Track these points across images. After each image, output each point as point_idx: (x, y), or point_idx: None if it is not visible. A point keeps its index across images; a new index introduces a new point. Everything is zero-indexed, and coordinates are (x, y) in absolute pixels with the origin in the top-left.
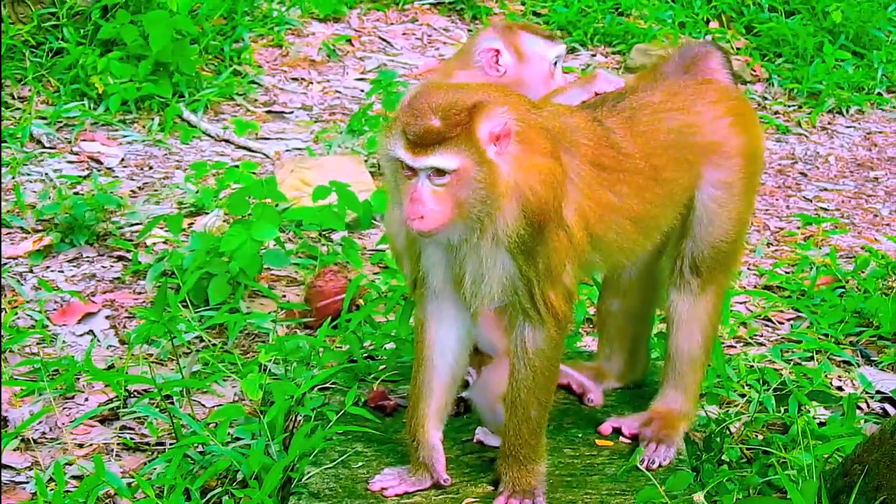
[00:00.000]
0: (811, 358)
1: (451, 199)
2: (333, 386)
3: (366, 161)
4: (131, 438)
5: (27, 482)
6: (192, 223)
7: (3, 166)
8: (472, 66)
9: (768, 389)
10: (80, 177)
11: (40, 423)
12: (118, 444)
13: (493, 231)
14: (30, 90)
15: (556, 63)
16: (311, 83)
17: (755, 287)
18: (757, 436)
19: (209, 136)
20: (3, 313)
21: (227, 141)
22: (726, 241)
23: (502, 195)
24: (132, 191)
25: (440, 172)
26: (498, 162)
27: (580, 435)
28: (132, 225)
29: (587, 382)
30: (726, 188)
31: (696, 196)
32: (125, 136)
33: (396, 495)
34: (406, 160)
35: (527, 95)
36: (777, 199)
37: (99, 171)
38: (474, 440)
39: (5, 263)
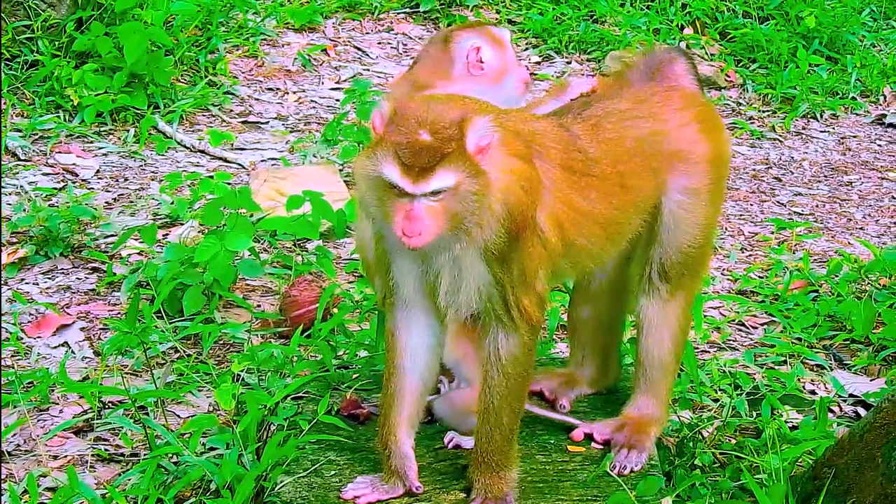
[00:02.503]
0: (784, 362)
1: (445, 212)
2: (306, 395)
3: (340, 171)
4: (105, 449)
5: (1, 495)
6: (167, 234)
7: None
8: (455, 73)
9: (741, 394)
10: (55, 189)
11: (14, 435)
12: (92, 455)
13: (477, 239)
14: (4, 102)
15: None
16: (287, 93)
17: (729, 292)
18: (730, 440)
19: (184, 146)
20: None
21: (202, 152)
22: (694, 247)
23: (493, 202)
24: (107, 202)
25: (437, 191)
26: (488, 171)
27: (552, 441)
28: (107, 236)
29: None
30: (693, 194)
31: (662, 202)
32: (100, 148)
33: (369, 503)
34: (406, 188)
35: (509, 84)
36: (751, 204)
37: (74, 182)
38: (450, 445)
39: None
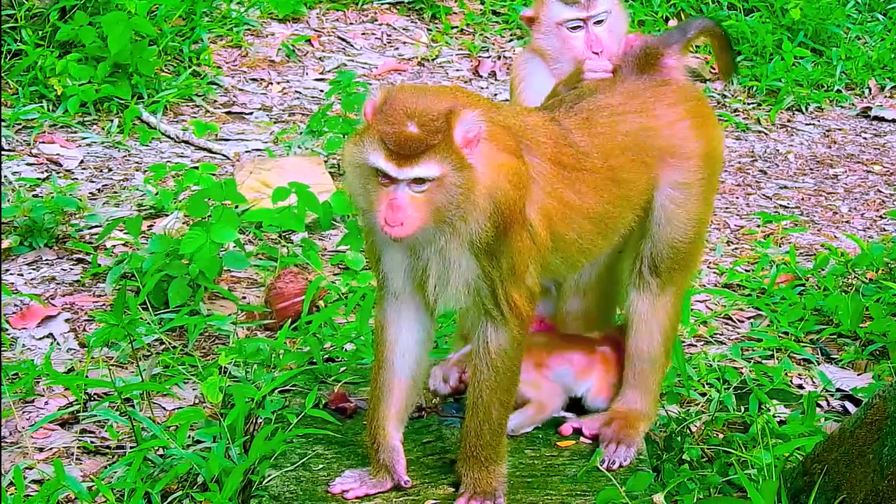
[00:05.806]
0: (771, 356)
1: (428, 204)
2: (294, 388)
3: (325, 162)
4: (91, 442)
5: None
6: (152, 225)
7: None
8: None
9: (728, 388)
10: (39, 179)
11: None
12: (78, 447)
13: (462, 233)
14: None
15: (575, 27)
16: (271, 84)
17: (715, 285)
18: (717, 435)
19: (168, 137)
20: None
21: (186, 142)
22: (685, 242)
23: (478, 197)
24: (91, 193)
25: (421, 180)
26: (474, 165)
27: (541, 436)
28: (91, 227)
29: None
30: (685, 189)
31: (654, 197)
32: (84, 138)
33: (357, 498)
34: (389, 172)
35: (560, 68)
36: (737, 197)
37: (58, 173)
38: None
39: None
